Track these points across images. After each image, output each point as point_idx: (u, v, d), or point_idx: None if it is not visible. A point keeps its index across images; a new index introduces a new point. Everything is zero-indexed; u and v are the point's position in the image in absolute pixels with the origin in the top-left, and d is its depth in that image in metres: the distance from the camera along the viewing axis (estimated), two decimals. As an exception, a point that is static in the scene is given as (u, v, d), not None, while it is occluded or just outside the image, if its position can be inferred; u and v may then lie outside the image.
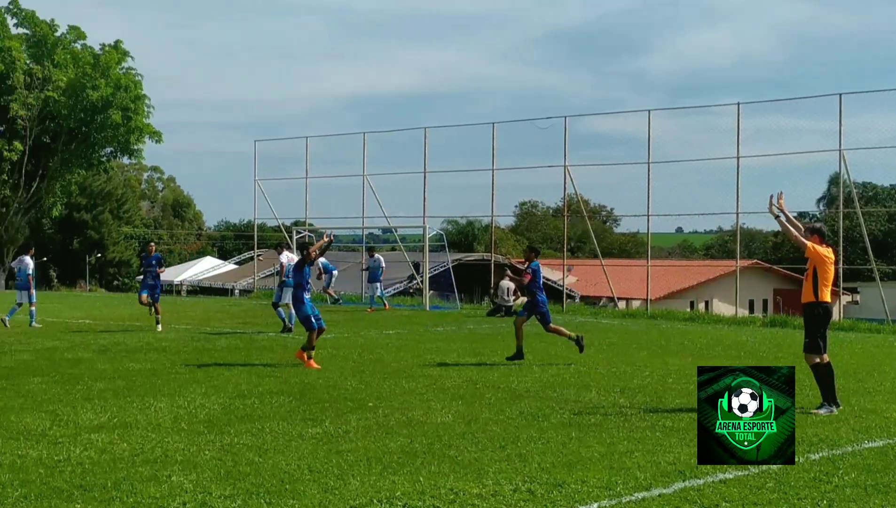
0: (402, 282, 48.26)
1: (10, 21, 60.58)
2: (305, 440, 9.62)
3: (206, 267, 70.23)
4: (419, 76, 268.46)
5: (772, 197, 12.10)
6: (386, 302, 33.83)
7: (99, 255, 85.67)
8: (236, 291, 56.41)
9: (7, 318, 24.34)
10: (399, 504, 7.31)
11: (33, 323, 24.39)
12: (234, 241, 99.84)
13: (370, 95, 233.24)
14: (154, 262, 24.14)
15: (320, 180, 42.81)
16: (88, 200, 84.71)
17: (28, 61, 59.61)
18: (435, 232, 40.21)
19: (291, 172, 43.26)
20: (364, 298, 37.03)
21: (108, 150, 64.45)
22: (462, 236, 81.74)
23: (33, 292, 24.87)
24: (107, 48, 60.45)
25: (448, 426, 10.45)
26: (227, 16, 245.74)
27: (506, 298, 31.56)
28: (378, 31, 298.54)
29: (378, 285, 33.45)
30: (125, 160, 74.45)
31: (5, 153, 57.38)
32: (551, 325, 17.31)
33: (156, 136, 62.58)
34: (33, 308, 24.64)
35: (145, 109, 61.55)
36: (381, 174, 40.94)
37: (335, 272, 32.63)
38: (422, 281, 37.67)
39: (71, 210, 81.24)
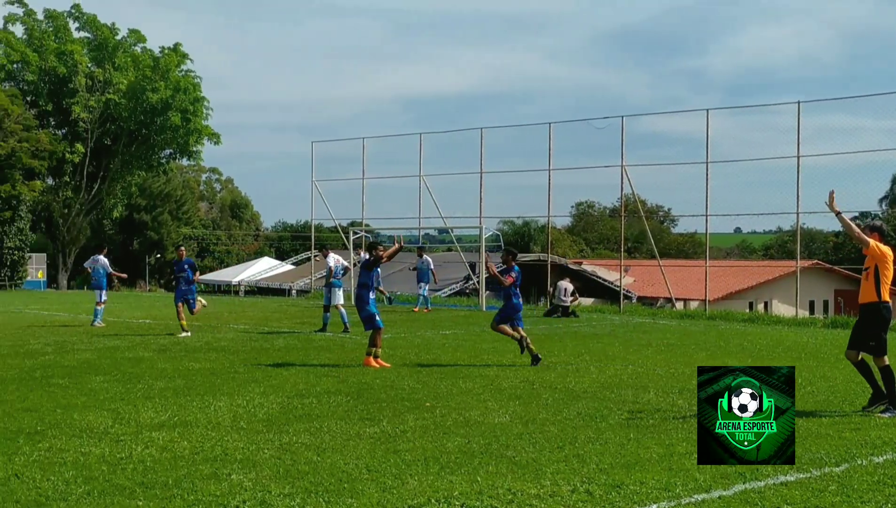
0: (458, 282, 48.25)
1: (73, 25, 61.58)
2: (363, 440, 9.65)
3: (264, 268, 70.72)
4: (475, 76, 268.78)
5: (831, 193, 11.85)
6: (427, 306, 33.28)
7: (158, 255, 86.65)
8: (293, 291, 56.72)
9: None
10: (457, 503, 7.31)
11: (97, 321, 24.65)
12: (291, 241, 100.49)
13: (426, 96, 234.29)
14: (186, 267, 22.90)
15: (377, 181, 42.96)
16: (148, 201, 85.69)
17: (90, 65, 60.49)
18: (491, 232, 40.22)
19: (348, 173, 43.52)
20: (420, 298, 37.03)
21: (168, 151, 65.26)
22: (518, 237, 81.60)
23: (104, 291, 25.11)
24: (166, 51, 61.17)
25: (505, 427, 10.43)
26: (284, 18, 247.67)
27: (563, 298, 31.42)
28: (434, 32, 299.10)
29: (424, 285, 33.39)
30: (184, 162, 75.24)
31: (67, 155, 58.25)
32: (500, 326, 16.88)
33: (214, 137, 63.22)
34: (99, 307, 24.89)
35: (204, 111, 62.21)
36: (437, 175, 41.02)
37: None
38: (478, 282, 37.64)
39: (131, 211, 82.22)
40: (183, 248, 24.15)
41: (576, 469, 8.40)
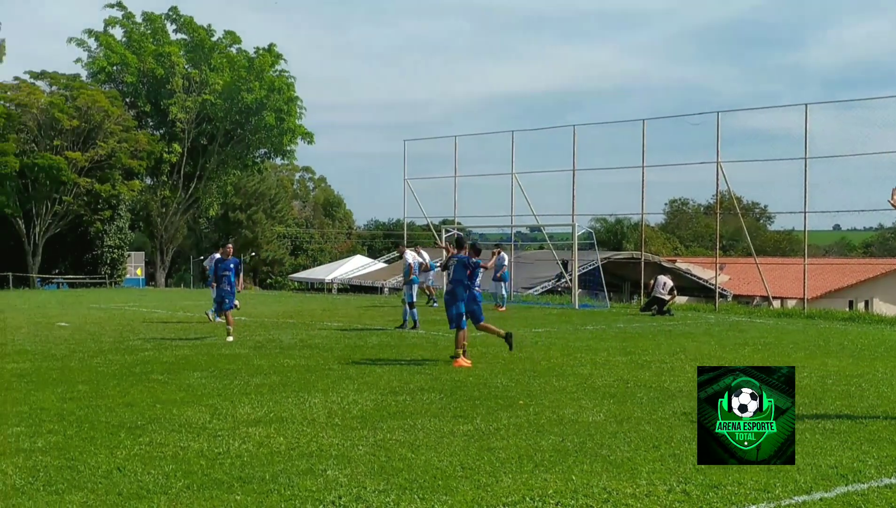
0: (550, 280, 48.06)
1: (170, 27, 62.84)
2: (457, 437, 9.65)
3: (356, 266, 71.27)
4: (567, 74, 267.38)
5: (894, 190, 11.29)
6: (498, 305, 32.53)
7: (253, 254, 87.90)
8: (385, 289, 57.06)
9: (223, 314, 24.79)
10: (552, 502, 7.26)
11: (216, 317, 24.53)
12: (383, 240, 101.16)
13: (518, 94, 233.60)
14: (232, 267, 21.40)
15: (469, 179, 42.95)
16: (243, 200, 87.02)
17: (186, 66, 61.64)
18: (584, 230, 39.94)
19: (440, 171, 43.58)
20: (510, 296, 36.92)
21: (262, 151, 66.20)
22: (611, 235, 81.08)
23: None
24: (261, 52, 62.04)
25: (599, 425, 10.34)
26: (376, 19, 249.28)
27: (661, 291, 30.95)
28: (525, 30, 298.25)
29: (501, 284, 33.09)
30: (278, 161, 76.27)
31: (165, 155, 59.42)
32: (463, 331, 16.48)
33: (308, 137, 63.93)
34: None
35: (297, 110, 62.95)
36: (529, 172, 40.84)
37: (435, 271, 32.06)
38: (571, 279, 37.43)
39: (227, 210, 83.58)
40: (230, 246, 23.06)
41: (672, 469, 8.29)
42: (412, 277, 23.65)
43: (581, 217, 39.14)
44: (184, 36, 62.85)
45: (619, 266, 51.18)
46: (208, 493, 7.49)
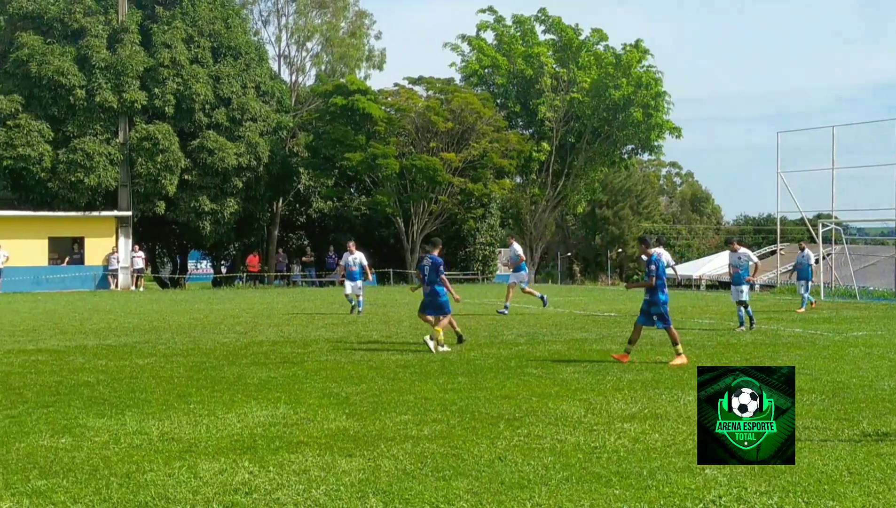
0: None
1: (538, 28, 64.24)
2: (842, 441, 9.21)
3: (726, 262, 69.75)
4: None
5: None
6: (809, 302, 30.18)
7: (619, 250, 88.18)
8: (756, 286, 55.39)
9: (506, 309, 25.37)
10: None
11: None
12: (754, 235, 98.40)
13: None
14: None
15: (847, 171, 40.84)
16: (609, 196, 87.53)
17: (555, 65, 62.75)
18: None
19: (816, 164, 41.56)
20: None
21: (629, 147, 66.18)
22: None
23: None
24: (628, 48, 62.04)
25: None
26: (743, 6, 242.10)
27: None
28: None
29: (806, 283, 30.34)
30: (644, 157, 76.02)
31: (534, 154, 60.73)
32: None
33: (675, 131, 63.23)
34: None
35: (665, 105, 62.41)
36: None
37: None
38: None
39: (593, 206, 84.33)
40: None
41: None
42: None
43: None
44: (552, 36, 64.03)
45: None
46: (587, 486, 7.58)
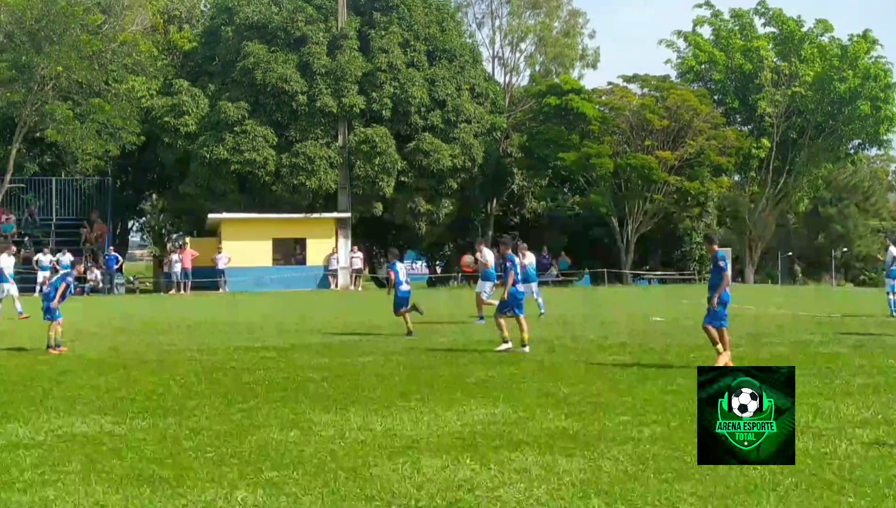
0: None
1: (758, 21, 62.53)
2: None
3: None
4: None
5: None
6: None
7: (845, 249, 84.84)
8: None
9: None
10: None
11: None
12: None
13: None
14: (510, 264, 17.75)
15: None
16: (833, 193, 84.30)
17: (775, 59, 60.92)
18: None
19: None
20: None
21: (856, 142, 63.61)
22: None
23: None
24: (855, 38, 59.60)
25: None
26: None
27: None
28: None
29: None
30: (872, 152, 72.94)
31: (753, 150, 59.11)
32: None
33: (906, 125, 60.35)
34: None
35: (895, 98, 59.69)
36: None
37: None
38: None
39: (816, 205, 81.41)
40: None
41: None
42: None
43: None
44: (772, 29, 62.16)
45: None
46: (817, 493, 7.31)
